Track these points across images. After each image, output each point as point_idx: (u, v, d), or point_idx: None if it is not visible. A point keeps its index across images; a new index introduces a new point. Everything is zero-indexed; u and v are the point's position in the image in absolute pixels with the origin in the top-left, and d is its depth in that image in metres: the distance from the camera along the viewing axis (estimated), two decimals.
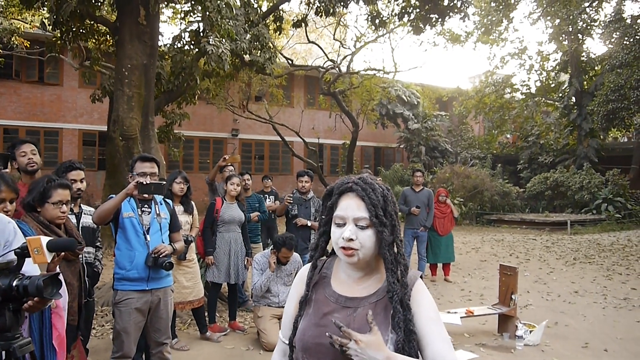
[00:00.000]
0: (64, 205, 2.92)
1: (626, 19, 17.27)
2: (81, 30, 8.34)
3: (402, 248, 1.46)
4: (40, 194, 2.86)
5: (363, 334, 1.33)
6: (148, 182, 3.32)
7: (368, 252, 1.40)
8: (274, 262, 5.05)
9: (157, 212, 3.59)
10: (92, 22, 8.29)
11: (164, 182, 3.59)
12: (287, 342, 1.52)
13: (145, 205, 3.57)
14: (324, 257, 1.59)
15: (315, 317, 1.43)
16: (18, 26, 13.05)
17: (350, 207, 1.42)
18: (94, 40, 9.28)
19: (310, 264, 1.57)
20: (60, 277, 2.60)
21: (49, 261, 2.05)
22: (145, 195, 3.47)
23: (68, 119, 18.10)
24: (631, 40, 16.27)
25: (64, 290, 2.71)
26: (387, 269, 1.41)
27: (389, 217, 1.43)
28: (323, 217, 1.52)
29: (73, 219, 3.67)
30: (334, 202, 1.46)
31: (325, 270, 1.54)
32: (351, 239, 1.38)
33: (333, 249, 1.53)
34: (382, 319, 1.38)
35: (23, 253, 2.00)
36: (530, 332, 5.29)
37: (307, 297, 1.48)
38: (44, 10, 9.31)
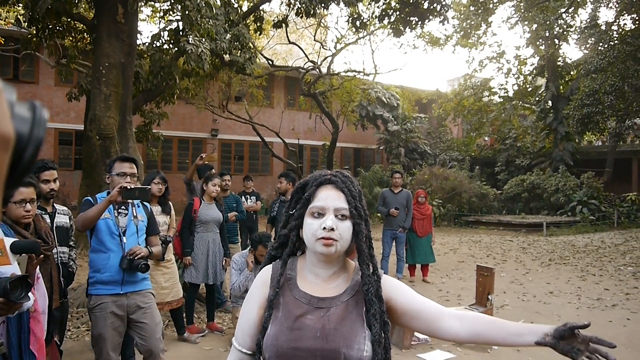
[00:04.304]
0: (28, 203, 2.81)
1: (601, 25, 17.62)
2: (58, 28, 8.22)
3: (372, 244, 1.47)
4: None
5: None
6: (132, 187, 3.24)
7: (345, 244, 1.40)
8: (252, 262, 5.03)
9: (135, 214, 3.50)
10: (68, 20, 8.17)
11: (149, 187, 3.53)
12: (247, 350, 1.45)
13: (122, 207, 3.47)
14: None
15: (288, 321, 1.37)
16: None
17: (331, 197, 1.41)
18: (71, 38, 9.16)
19: (268, 266, 1.51)
20: (39, 281, 2.56)
21: (12, 263, 2.00)
22: (129, 201, 3.40)
23: None
24: (605, 46, 16.60)
25: (43, 293, 2.65)
26: (362, 262, 1.41)
27: (363, 210, 1.44)
28: (294, 211, 1.48)
29: (47, 218, 3.61)
30: (311, 194, 1.43)
31: (289, 271, 1.47)
32: (332, 229, 1.36)
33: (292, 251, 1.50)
34: (355, 317, 1.38)
35: None
36: None
37: (276, 296, 1.41)
38: (19, 6, 9.14)
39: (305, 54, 17.06)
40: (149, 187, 3.55)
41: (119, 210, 3.45)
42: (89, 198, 3.45)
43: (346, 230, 1.39)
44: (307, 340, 1.34)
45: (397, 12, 10.55)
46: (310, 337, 1.34)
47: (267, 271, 1.50)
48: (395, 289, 1.46)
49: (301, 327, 1.36)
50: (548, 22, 19.21)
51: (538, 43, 22.19)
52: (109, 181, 3.48)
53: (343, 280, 1.45)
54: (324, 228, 1.37)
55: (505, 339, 1.35)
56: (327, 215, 1.39)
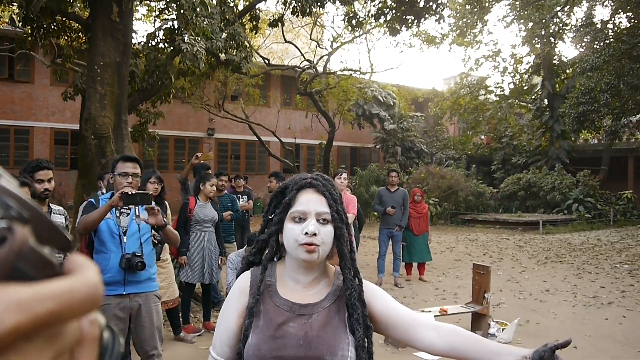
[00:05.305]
0: None
1: (596, 23, 17.66)
2: (52, 27, 8.17)
3: (354, 247, 1.45)
4: None
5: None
6: (133, 192, 3.21)
7: (327, 248, 1.37)
8: None
9: (137, 213, 3.47)
10: (63, 19, 8.13)
11: (150, 192, 3.50)
12: None
13: (124, 207, 3.48)
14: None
15: (269, 329, 1.33)
16: None
17: (312, 201, 1.38)
18: (66, 37, 9.10)
19: (247, 272, 1.47)
20: None
21: None
22: (131, 206, 3.38)
23: (39, 117, 17.71)
24: (601, 44, 16.63)
25: None
26: (343, 266, 1.38)
27: (344, 214, 1.42)
28: (273, 215, 1.43)
29: None
30: (292, 198, 1.39)
31: (268, 278, 1.43)
32: (315, 234, 1.33)
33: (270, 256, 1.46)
34: (337, 322, 1.35)
35: None
36: (503, 330, 5.37)
37: (256, 303, 1.36)
38: (13, 5, 9.09)
39: (301, 52, 17.03)
40: (150, 192, 3.52)
41: (121, 210, 3.42)
42: (92, 200, 3.42)
43: (328, 235, 1.36)
44: (291, 348, 1.31)
45: (393, 11, 10.54)
46: (293, 345, 1.31)
47: (245, 278, 1.45)
48: (374, 294, 1.44)
49: (284, 336, 1.33)
50: (544, 21, 19.25)
51: (534, 41, 22.23)
52: (112, 181, 3.46)
53: (324, 286, 1.43)
54: (306, 233, 1.33)
55: (482, 357, 1.27)
56: (309, 220, 1.36)
